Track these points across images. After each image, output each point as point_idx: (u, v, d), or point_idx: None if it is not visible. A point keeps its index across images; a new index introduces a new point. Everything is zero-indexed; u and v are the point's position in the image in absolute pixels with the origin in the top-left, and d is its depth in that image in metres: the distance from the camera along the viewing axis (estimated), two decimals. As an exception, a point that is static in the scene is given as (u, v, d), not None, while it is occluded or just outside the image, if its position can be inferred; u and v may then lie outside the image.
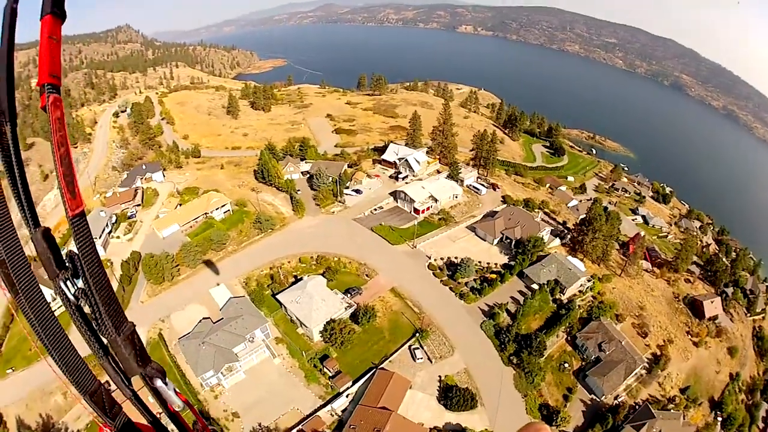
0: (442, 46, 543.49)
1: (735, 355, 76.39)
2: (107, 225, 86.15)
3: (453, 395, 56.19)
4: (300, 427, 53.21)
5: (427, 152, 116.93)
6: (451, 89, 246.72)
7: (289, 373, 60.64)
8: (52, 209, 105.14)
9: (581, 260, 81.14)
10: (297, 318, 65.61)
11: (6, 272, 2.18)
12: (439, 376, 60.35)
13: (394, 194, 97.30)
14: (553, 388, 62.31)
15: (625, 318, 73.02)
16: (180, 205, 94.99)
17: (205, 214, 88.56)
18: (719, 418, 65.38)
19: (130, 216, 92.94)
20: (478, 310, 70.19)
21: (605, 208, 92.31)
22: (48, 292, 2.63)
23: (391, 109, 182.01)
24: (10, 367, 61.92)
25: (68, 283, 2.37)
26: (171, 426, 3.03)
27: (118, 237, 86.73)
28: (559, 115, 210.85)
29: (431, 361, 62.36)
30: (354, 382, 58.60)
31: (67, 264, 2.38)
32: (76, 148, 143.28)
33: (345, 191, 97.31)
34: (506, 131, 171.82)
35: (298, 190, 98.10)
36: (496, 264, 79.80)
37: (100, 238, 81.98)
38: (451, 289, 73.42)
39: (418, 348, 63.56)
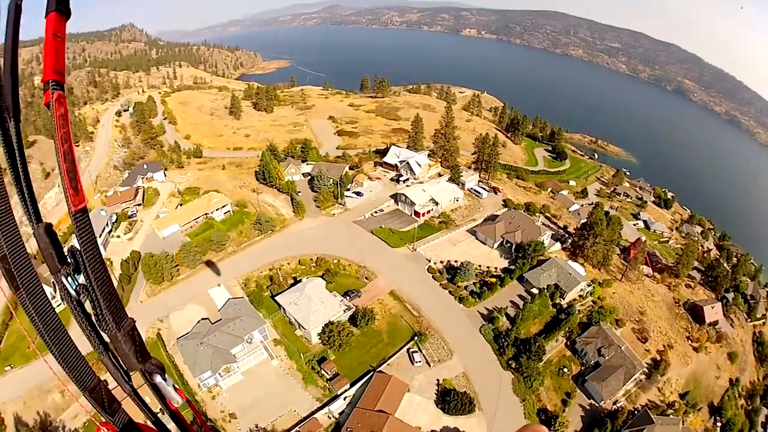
0: (446, 49, 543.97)
1: (735, 361, 76.19)
2: (108, 224, 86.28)
3: (451, 399, 56.00)
4: (297, 429, 53.11)
5: (429, 155, 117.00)
6: (453, 92, 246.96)
7: (286, 375, 60.51)
8: (53, 207, 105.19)
9: (582, 265, 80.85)
10: (295, 320, 65.48)
11: (7, 268, 2.19)
12: (437, 380, 60.14)
13: (395, 197, 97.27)
14: (551, 393, 62.05)
15: (625, 323, 72.82)
16: (181, 205, 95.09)
17: (206, 214, 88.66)
18: (718, 424, 65.15)
19: (131, 215, 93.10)
20: (477, 314, 70.00)
21: (606, 213, 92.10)
22: (48, 290, 2.65)
23: (393, 111, 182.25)
24: (8, 365, 61.89)
25: (69, 278, 2.39)
26: (170, 424, 3.03)
27: (118, 236, 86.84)
28: (562, 119, 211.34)
29: (429, 365, 62.16)
30: (352, 385, 58.48)
31: (68, 259, 2.40)
32: (78, 146, 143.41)
33: (346, 193, 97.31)
34: (508, 135, 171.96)
35: (299, 192, 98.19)
36: (496, 268, 79.70)
37: (100, 237, 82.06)
38: (450, 292, 73.23)
39: (416, 351, 63.35)
